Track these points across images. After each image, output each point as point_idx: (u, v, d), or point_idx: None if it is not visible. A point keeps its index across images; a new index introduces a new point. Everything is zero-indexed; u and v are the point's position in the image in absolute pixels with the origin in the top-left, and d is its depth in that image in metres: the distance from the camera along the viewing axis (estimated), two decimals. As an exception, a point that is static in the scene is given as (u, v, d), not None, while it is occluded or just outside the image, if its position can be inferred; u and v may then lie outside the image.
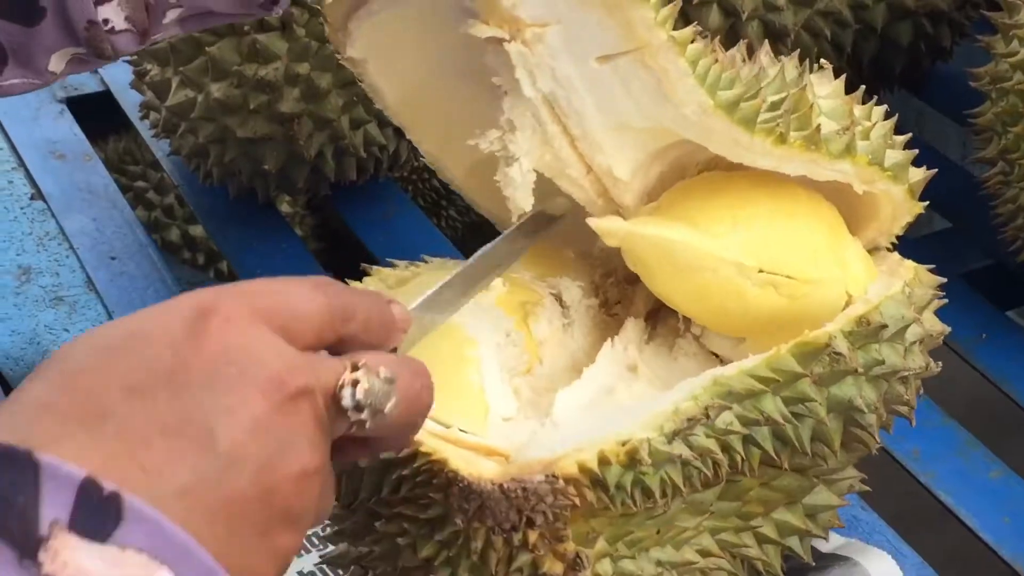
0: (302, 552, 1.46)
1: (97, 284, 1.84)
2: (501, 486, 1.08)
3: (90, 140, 2.15)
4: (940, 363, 1.30)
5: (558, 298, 1.34)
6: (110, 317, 1.78)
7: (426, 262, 1.39)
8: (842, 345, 1.20)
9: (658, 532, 1.16)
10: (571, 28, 1.20)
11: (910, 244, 1.45)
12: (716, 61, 1.22)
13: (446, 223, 2.37)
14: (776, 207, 1.25)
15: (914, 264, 1.32)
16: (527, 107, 1.22)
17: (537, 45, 1.20)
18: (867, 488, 1.35)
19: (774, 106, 1.24)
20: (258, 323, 0.81)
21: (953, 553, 1.53)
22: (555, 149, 1.25)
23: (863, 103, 1.32)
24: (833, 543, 1.39)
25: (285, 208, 2.26)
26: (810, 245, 1.25)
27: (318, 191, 1.97)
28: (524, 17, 1.19)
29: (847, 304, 1.26)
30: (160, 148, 2.07)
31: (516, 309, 1.28)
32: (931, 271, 1.32)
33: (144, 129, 2.06)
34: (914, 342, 1.27)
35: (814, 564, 1.34)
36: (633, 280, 1.35)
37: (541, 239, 1.28)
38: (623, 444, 1.11)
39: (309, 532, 1.06)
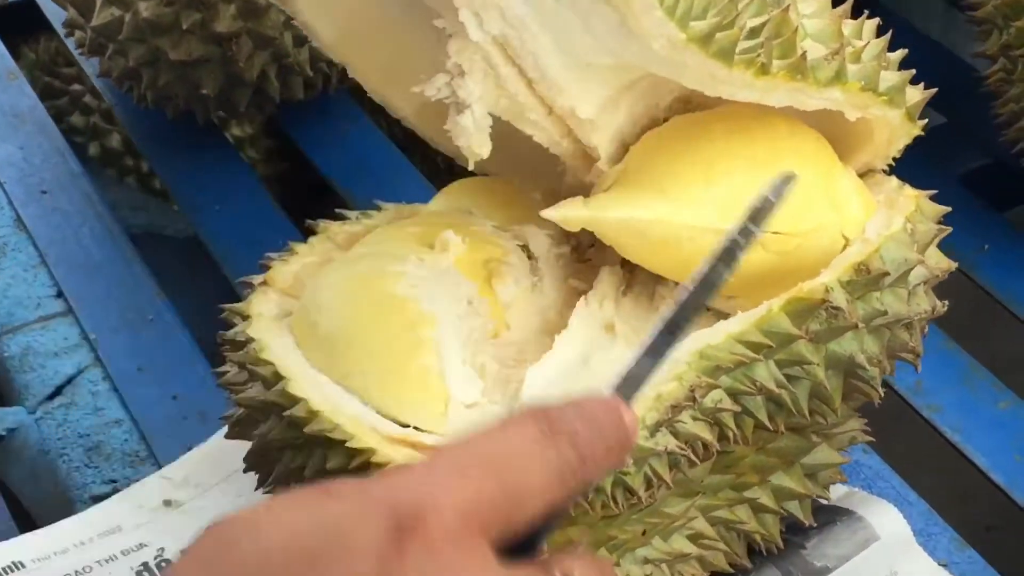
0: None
1: (27, 223, 1.69)
2: None
3: (14, 56, 1.98)
4: (947, 302, 1.19)
5: (525, 249, 1.21)
6: (43, 261, 1.63)
7: (379, 209, 1.26)
8: (840, 298, 1.09)
9: (644, 533, 1.04)
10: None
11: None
12: (686, -15, 1.07)
13: (402, 131, 2.21)
14: (755, 154, 1.12)
15: (915, 193, 1.20)
16: (476, 50, 1.07)
17: (482, -17, 1.05)
18: (870, 438, 1.24)
19: (753, 33, 1.10)
20: (470, 539, 0.70)
21: (963, 496, 1.42)
22: (511, 93, 1.11)
23: (853, 18, 1.18)
24: (834, 494, 1.28)
25: (235, 131, 2.10)
26: (798, 191, 1.11)
27: (263, 113, 1.82)
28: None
29: (844, 247, 1.14)
30: (91, 65, 1.91)
31: (478, 270, 1.16)
32: (926, 175, 1.24)
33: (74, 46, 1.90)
34: (918, 284, 1.15)
35: (815, 524, 1.24)
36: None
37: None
38: None
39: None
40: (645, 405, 1.02)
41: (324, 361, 1.09)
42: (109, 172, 2.16)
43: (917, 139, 1.62)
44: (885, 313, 1.12)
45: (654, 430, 1.02)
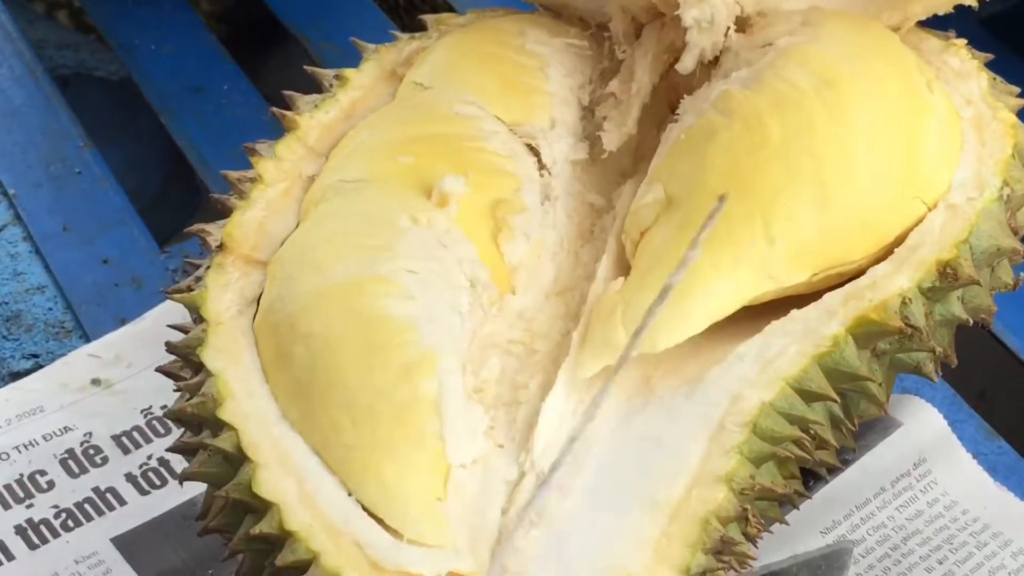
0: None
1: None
2: None
3: None
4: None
5: (536, 154, 1.05)
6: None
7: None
8: (918, 315, 0.95)
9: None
10: None
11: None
12: None
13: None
14: (823, 160, 0.96)
15: (1014, 120, 1.03)
16: None
17: None
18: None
19: None
20: None
21: (992, 379, 1.28)
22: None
23: None
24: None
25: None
26: (877, 194, 0.97)
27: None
28: None
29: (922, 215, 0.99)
30: None
31: (484, 222, 1.00)
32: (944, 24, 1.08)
33: None
34: (1004, 259, 1.02)
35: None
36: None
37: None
38: None
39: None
40: (686, 541, 0.88)
41: (299, 415, 0.92)
42: (37, 7, 1.99)
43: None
44: (964, 320, 1.00)
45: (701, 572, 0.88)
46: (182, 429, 0.99)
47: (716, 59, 1.07)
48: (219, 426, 0.92)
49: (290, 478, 0.89)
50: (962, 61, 1.07)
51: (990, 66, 1.08)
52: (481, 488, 0.91)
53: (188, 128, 1.47)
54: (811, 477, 1.06)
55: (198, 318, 0.97)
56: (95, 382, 1.21)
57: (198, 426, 0.95)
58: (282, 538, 0.87)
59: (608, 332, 0.94)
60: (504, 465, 0.92)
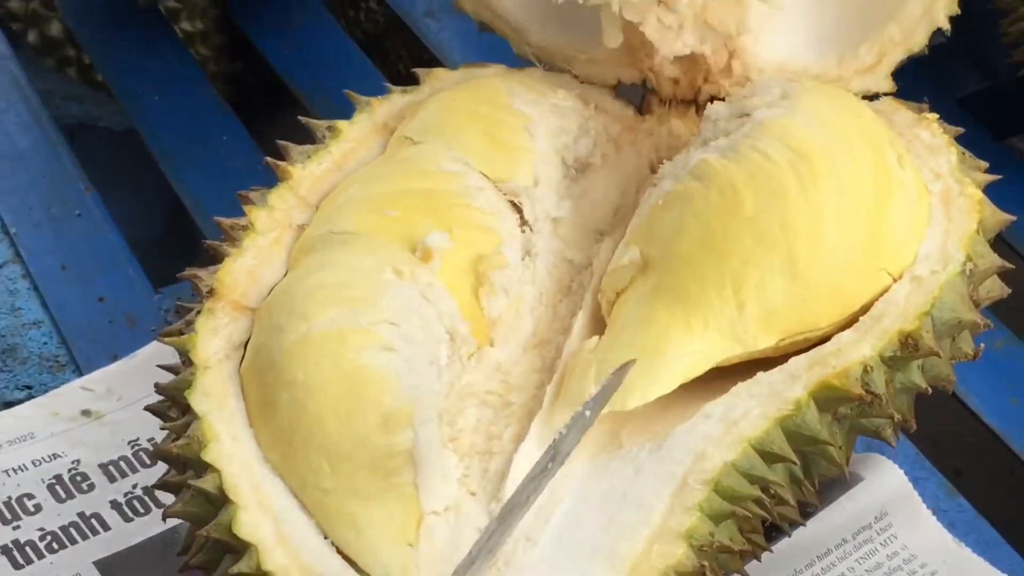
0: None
1: (-53, 104, 1.57)
2: None
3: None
4: (983, 346, 1.08)
5: (518, 210, 1.10)
6: (-39, 146, 1.51)
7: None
8: (879, 382, 0.98)
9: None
10: None
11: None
12: None
13: (359, 29, 2.08)
14: (793, 231, 0.99)
15: (980, 197, 1.07)
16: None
17: None
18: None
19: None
20: None
21: (953, 441, 1.31)
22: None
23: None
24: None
25: (185, 25, 1.96)
26: (844, 265, 1.01)
27: (218, 3, 1.68)
28: None
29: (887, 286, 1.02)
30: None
31: (465, 277, 1.04)
32: (923, 95, 1.13)
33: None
34: (965, 330, 1.05)
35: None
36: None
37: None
38: None
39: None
40: None
41: (280, 459, 0.96)
42: (47, 62, 2.03)
43: (915, 58, 1.51)
44: (923, 388, 1.02)
45: None
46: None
47: (697, 110, 1.12)
48: (203, 468, 0.95)
49: (268, 520, 0.93)
50: (933, 135, 1.10)
51: (964, 141, 1.11)
52: (452, 534, 0.94)
53: (187, 177, 1.50)
54: (774, 529, 1.09)
55: (187, 361, 1.00)
56: (85, 413, 1.24)
57: (183, 465, 0.98)
58: None
59: (581, 388, 0.98)
60: (475, 512, 0.95)
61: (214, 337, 1.01)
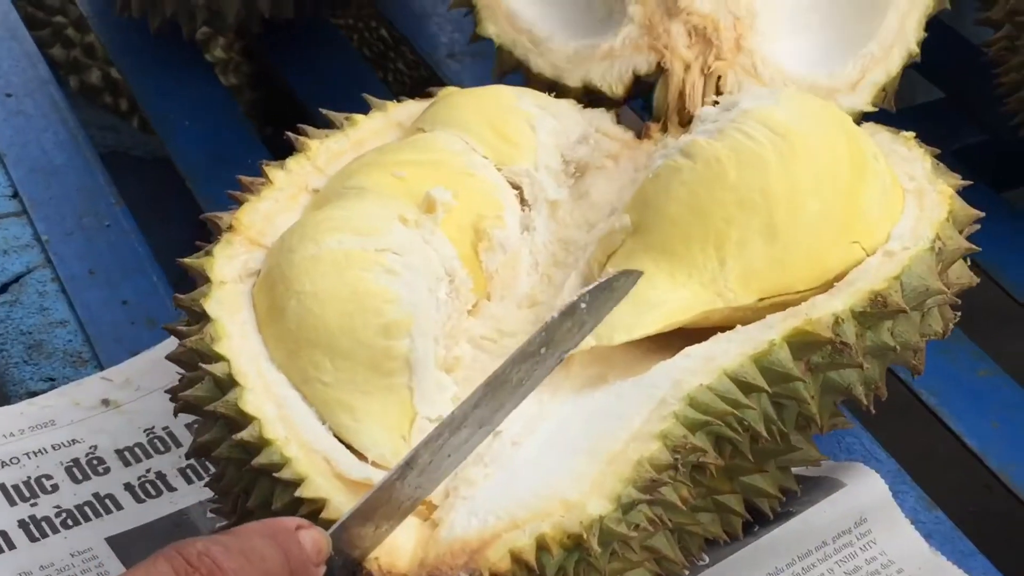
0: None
1: (-11, 124, 1.64)
2: None
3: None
4: (958, 314, 1.14)
5: (518, 192, 1.17)
6: (2, 162, 1.57)
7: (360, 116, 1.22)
8: (849, 333, 1.04)
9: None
10: None
11: (899, 115, 1.33)
12: None
13: (393, 78, 2.16)
14: (772, 198, 1.07)
15: (949, 190, 1.14)
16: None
17: None
18: (850, 425, 1.20)
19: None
20: None
21: (934, 459, 1.36)
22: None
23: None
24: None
25: (218, 54, 2.05)
26: (820, 234, 1.09)
27: (250, 31, 1.75)
28: None
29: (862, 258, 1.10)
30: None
31: (467, 232, 1.12)
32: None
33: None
34: (934, 306, 1.11)
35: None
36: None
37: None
38: (568, 535, 0.95)
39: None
40: (619, 477, 0.96)
41: (285, 357, 1.03)
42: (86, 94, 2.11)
43: (913, 111, 1.58)
44: (894, 348, 1.07)
45: (628, 508, 0.96)
46: (183, 447, 1.09)
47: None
48: (214, 357, 1.02)
49: (272, 403, 1.00)
50: (909, 150, 1.18)
51: (964, 194, 1.16)
52: None
53: (213, 193, 1.55)
54: (757, 522, 1.15)
55: (204, 279, 1.07)
56: (105, 402, 1.30)
57: (195, 362, 1.05)
58: (260, 446, 0.97)
59: None
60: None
61: (231, 262, 1.10)
